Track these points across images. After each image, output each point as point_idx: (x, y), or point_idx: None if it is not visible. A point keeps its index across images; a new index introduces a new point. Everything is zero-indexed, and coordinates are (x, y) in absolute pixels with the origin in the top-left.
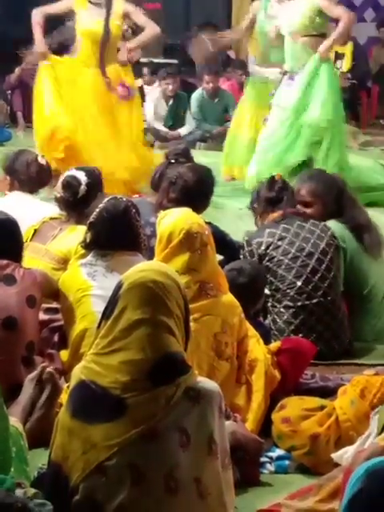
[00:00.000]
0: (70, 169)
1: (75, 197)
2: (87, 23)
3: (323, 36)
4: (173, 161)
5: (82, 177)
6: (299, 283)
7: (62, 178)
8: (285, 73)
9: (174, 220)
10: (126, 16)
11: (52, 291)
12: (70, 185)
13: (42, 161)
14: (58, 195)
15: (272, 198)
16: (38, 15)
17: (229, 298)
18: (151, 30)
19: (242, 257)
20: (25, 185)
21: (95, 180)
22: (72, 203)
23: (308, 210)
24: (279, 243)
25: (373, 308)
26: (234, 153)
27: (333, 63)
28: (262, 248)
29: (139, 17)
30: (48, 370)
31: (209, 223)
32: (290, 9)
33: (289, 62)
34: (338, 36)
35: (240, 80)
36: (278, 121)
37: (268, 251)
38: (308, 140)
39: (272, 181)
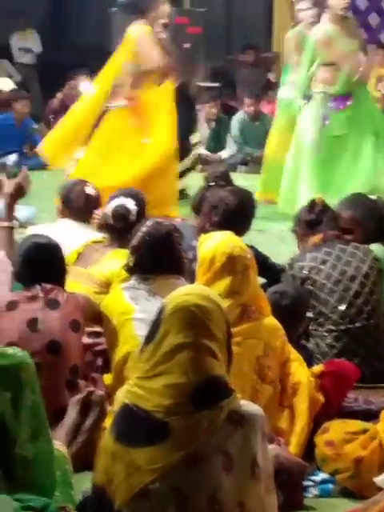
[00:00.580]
0: (116, 195)
1: (123, 225)
2: None
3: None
4: (212, 184)
5: (131, 206)
6: (342, 307)
7: (110, 207)
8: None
9: (216, 243)
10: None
11: (95, 315)
12: (122, 215)
13: (89, 191)
14: (107, 222)
15: (312, 220)
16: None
17: (271, 321)
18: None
19: (284, 280)
20: (74, 213)
21: (142, 205)
22: (118, 230)
23: (349, 237)
24: (321, 267)
25: None
26: (271, 176)
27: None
28: (305, 272)
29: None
30: (98, 392)
31: (250, 246)
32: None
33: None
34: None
35: None
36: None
37: (310, 275)
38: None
39: (312, 204)
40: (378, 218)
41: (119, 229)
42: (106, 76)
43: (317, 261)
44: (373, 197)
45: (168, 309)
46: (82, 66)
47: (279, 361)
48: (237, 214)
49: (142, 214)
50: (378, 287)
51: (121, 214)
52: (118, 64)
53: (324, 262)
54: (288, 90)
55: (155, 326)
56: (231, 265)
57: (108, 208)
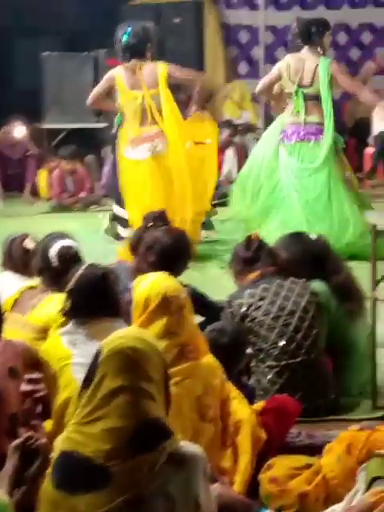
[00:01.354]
0: (53, 239)
1: (64, 268)
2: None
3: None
4: (150, 224)
5: (75, 245)
6: (282, 342)
7: (54, 249)
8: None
9: (150, 284)
10: (170, 76)
11: (34, 361)
12: (70, 256)
13: (28, 244)
14: (49, 265)
15: (249, 258)
16: (92, 100)
17: (209, 359)
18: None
19: (223, 318)
20: (15, 266)
21: (78, 246)
22: (60, 273)
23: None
24: (260, 303)
25: (356, 363)
26: None
27: None
28: (243, 309)
29: (184, 71)
30: (41, 440)
31: (187, 285)
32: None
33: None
34: None
35: (226, 140)
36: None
37: (249, 312)
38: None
39: (249, 241)
40: (316, 257)
41: (62, 271)
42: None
43: (255, 297)
44: (313, 236)
45: (104, 353)
46: (15, 111)
47: (219, 399)
48: (172, 253)
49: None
50: (317, 321)
51: (69, 254)
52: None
53: (262, 298)
54: None
55: (92, 370)
56: (166, 305)
57: (51, 250)
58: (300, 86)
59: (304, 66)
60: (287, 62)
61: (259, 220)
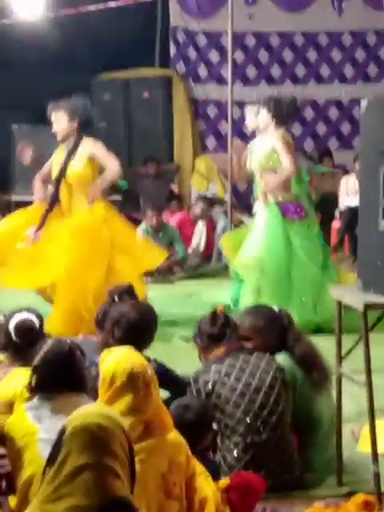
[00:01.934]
0: (13, 313)
1: (27, 341)
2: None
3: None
4: (116, 299)
5: (34, 319)
6: (248, 419)
7: (12, 323)
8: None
9: (116, 361)
10: (92, 158)
11: None
12: (28, 329)
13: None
14: (9, 339)
15: (214, 334)
16: (37, 180)
17: (174, 436)
18: (108, 172)
19: (189, 394)
20: None
21: (42, 320)
22: (21, 347)
23: (248, 344)
24: (225, 380)
25: (322, 439)
26: None
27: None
28: (209, 386)
29: (104, 158)
30: None
31: (154, 360)
32: (258, 145)
33: (258, 195)
34: (272, 186)
35: (201, 215)
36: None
37: (215, 388)
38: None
39: (214, 316)
40: (279, 328)
41: (22, 345)
42: None
43: (221, 373)
44: (275, 308)
45: (69, 429)
46: None
47: (185, 476)
48: (139, 328)
49: (42, 331)
50: (282, 397)
51: (26, 328)
52: None
53: (228, 375)
54: None
55: (57, 447)
56: (132, 382)
57: (10, 324)
58: None
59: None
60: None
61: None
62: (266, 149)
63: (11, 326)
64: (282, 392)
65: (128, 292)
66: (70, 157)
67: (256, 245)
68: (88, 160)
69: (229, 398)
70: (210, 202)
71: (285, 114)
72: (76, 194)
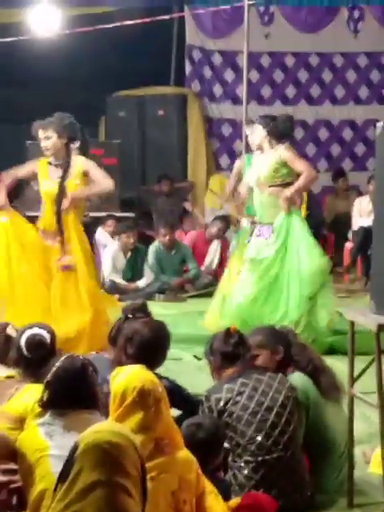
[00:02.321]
0: (25, 329)
1: (39, 356)
2: (47, 186)
3: (289, 185)
4: (130, 316)
5: (45, 334)
6: (259, 438)
7: (23, 338)
8: (253, 223)
9: (127, 378)
10: (85, 174)
11: (9, 452)
12: (38, 344)
13: (10, 332)
14: (21, 354)
15: (228, 353)
16: (7, 178)
17: (184, 453)
18: (100, 186)
19: (201, 412)
20: None
21: (54, 336)
22: (34, 362)
23: (257, 362)
24: (238, 398)
25: (334, 460)
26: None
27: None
28: (221, 404)
29: (97, 174)
30: None
31: (166, 378)
32: (259, 161)
33: (258, 212)
34: (297, 188)
35: (213, 232)
36: (250, 274)
37: (227, 407)
38: (302, 297)
39: (227, 334)
40: (284, 341)
41: (34, 360)
42: None
43: (233, 392)
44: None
45: (81, 447)
46: None
47: (195, 494)
48: (151, 345)
49: (53, 346)
50: (294, 416)
51: (37, 343)
52: None
53: (240, 394)
54: None
55: (68, 464)
56: (143, 399)
57: (22, 339)
58: None
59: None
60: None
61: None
62: (271, 163)
63: (22, 341)
64: (294, 411)
65: (142, 309)
66: (66, 174)
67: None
68: (82, 176)
69: (241, 416)
70: (226, 221)
71: (280, 130)
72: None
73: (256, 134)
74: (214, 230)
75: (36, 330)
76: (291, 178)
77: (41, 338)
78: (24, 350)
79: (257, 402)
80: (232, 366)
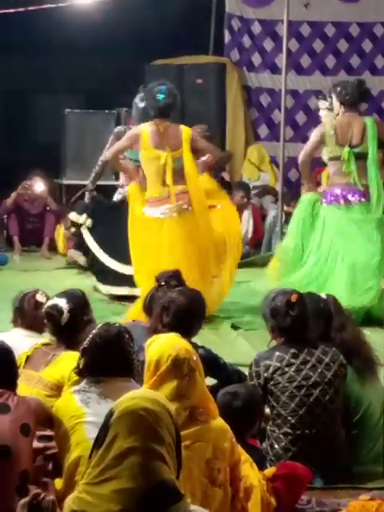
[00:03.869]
0: (57, 294)
1: (59, 325)
2: None
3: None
4: (163, 283)
5: (63, 304)
6: (301, 412)
7: (44, 308)
8: None
9: (161, 346)
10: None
11: (46, 419)
12: (51, 315)
13: (40, 298)
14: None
15: (285, 328)
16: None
17: (219, 422)
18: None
19: (248, 374)
20: (26, 322)
21: (78, 304)
22: (58, 331)
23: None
24: (286, 369)
25: (369, 431)
26: None
27: None
28: (270, 371)
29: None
30: (48, 498)
31: (202, 347)
32: None
33: None
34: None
35: (240, 202)
36: None
37: (274, 376)
38: None
39: (288, 305)
40: (325, 314)
41: (57, 330)
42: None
43: (283, 362)
44: (323, 295)
45: (116, 413)
46: (36, 166)
47: (229, 463)
48: (187, 314)
49: (79, 314)
50: (339, 395)
51: (50, 314)
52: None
53: (290, 365)
54: None
55: (104, 430)
56: (177, 368)
57: (44, 308)
58: (351, 147)
59: (352, 127)
60: (331, 125)
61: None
62: None
63: (43, 310)
64: (339, 389)
65: (175, 277)
66: None
67: None
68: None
69: (286, 388)
70: (261, 191)
71: (349, 96)
72: None
73: (334, 105)
74: (237, 199)
75: (55, 300)
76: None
77: (54, 311)
78: (44, 320)
79: (304, 375)
80: (287, 336)
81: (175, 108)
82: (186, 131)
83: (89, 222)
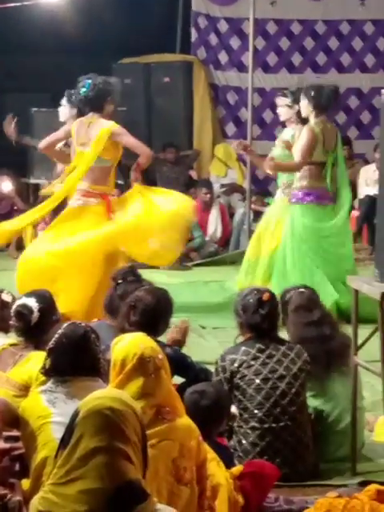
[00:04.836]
0: (25, 294)
1: (29, 325)
2: None
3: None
4: (120, 281)
5: (32, 303)
6: (268, 405)
7: (13, 307)
8: None
9: (127, 345)
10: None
11: (13, 419)
12: (21, 314)
13: (6, 298)
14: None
15: (254, 325)
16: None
17: (185, 421)
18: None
19: (214, 370)
20: None
21: (47, 304)
22: (27, 331)
23: None
24: (252, 363)
25: (337, 429)
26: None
27: None
28: (235, 365)
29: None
30: (14, 498)
31: (169, 346)
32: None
33: None
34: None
35: (204, 199)
36: None
37: (240, 369)
38: None
39: (259, 303)
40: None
41: (25, 330)
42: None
43: (249, 355)
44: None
45: (82, 413)
46: (3, 166)
47: (196, 461)
48: (155, 313)
49: (48, 314)
50: (305, 389)
51: (21, 313)
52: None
53: (256, 358)
54: None
55: (69, 430)
56: (143, 366)
57: (13, 308)
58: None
59: (331, 132)
60: (320, 129)
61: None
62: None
63: (12, 310)
64: (305, 384)
65: (131, 272)
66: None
67: None
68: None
69: (252, 380)
70: (229, 189)
71: (323, 102)
72: None
73: (302, 106)
74: (201, 196)
75: (23, 299)
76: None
77: (24, 310)
78: (13, 320)
79: (270, 369)
80: (255, 333)
81: (102, 101)
82: (107, 125)
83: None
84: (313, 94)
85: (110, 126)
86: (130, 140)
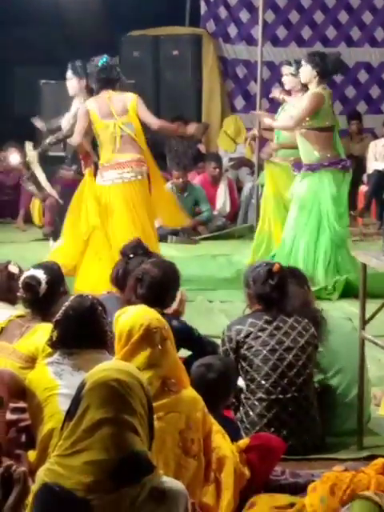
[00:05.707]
0: (33, 265)
1: (37, 296)
2: None
3: (320, 130)
4: (131, 255)
5: (40, 275)
6: (275, 376)
7: (21, 279)
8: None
9: (132, 316)
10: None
11: (19, 391)
12: (30, 285)
13: (13, 269)
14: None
15: (263, 295)
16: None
17: (190, 392)
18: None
19: (221, 340)
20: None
21: (55, 276)
22: (35, 302)
23: None
24: (259, 334)
25: (344, 403)
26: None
27: None
28: (242, 335)
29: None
30: (19, 469)
31: (176, 318)
32: (293, 106)
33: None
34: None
35: (213, 173)
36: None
37: (247, 340)
38: None
39: (269, 274)
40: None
41: (33, 301)
42: None
43: (256, 327)
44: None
45: (88, 384)
46: (11, 138)
47: (202, 433)
48: (162, 285)
49: (56, 286)
50: (311, 362)
51: (29, 285)
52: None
53: (263, 330)
54: None
55: (75, 402)
56: (149, 337)
57: (21, 279)
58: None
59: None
60: (325, 94)
61: None
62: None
63: (20, 281)
64: (312, 357)
65: (139, 246)
66: None
67: None
68: None
69: (259, 351)
70: (237, 163)
71: (330, 69)
72: None
73: (303, 72)
74: (210, 170)
75: (32, 271)
76: (323, 123)
77: (32, 281)
78: (21, 291)
79: (277, 340)
80: (263, 304)
81: (117, 77)
82: (132, 97)
83: (33, 153)
84: (317, 60)
85: (135, 96)
86: (146, 114)
